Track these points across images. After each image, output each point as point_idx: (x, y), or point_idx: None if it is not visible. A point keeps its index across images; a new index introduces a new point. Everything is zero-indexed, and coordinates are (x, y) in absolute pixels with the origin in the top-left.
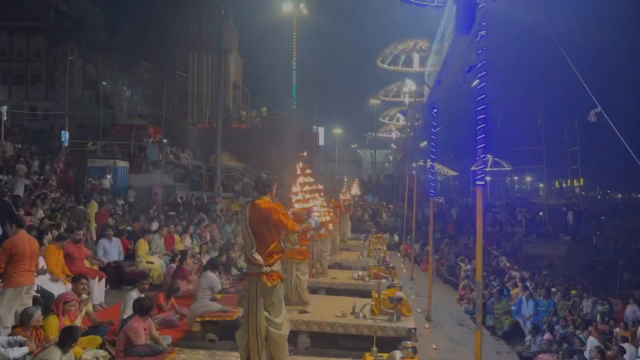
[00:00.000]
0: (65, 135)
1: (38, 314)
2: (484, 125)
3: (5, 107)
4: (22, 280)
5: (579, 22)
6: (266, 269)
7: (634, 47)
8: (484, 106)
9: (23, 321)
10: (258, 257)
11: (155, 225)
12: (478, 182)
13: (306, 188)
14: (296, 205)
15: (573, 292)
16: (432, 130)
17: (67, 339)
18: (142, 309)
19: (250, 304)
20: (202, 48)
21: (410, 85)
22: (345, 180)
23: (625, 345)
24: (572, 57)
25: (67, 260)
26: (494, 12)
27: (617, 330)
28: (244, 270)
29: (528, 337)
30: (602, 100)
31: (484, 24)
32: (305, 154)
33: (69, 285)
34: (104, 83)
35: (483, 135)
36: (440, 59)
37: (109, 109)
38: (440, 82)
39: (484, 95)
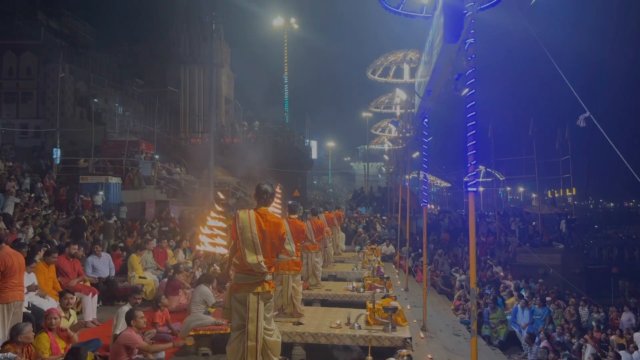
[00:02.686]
0: (56, 153)
1: (27, 329)
2: (474, 131)
3: None
4: (12, 295)
5: (568, 29)
6: (268, 277)
7: (624, 55)
8: (474, 112)
9: (12, 337)
10: (264, 264)
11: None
12: (470, 189)
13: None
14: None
15: (571, 300)
16: (424, 140)
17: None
18: (126, 318)
19: (251, 315)
20: (193, 63)
21: (401, 96)
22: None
23: (622, 353)
24: (561, 64)
25: (60, 274)
26: (482, 21)
27: (613, 337)
28: (237, 282)
29: (526, 346)
30: (593, 108)
31: (472, 31)
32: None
33: None
34: (95, 100)
35: (474, 142)
36: (430, 69)
37: (100, 126)
38: (431, 92)
39: (474, 102)
